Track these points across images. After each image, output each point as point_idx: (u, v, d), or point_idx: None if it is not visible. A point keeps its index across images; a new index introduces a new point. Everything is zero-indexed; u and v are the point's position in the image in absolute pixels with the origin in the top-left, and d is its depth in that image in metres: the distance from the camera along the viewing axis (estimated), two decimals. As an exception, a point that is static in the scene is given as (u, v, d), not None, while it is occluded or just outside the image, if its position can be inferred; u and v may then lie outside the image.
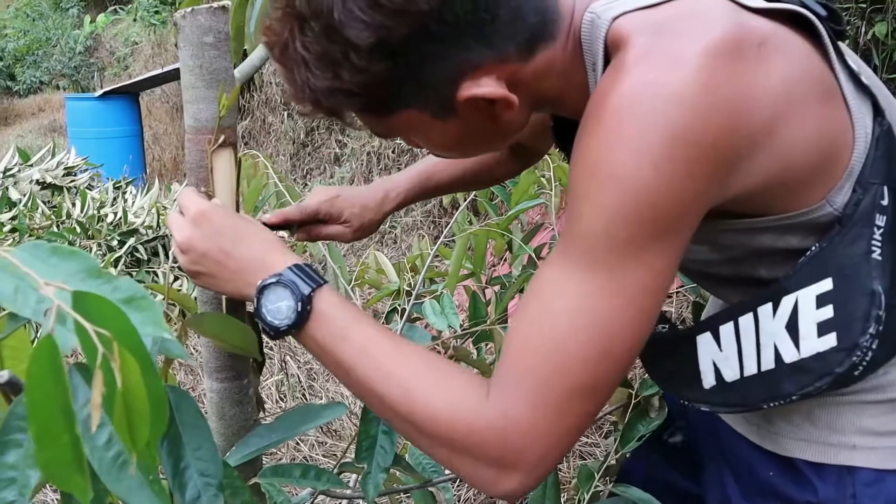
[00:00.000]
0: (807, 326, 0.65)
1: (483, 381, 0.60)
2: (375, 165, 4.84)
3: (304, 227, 0.94)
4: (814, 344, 0.65)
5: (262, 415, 0.88)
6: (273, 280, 0.65)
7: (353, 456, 1.00)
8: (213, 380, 0.80)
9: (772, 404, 0.69)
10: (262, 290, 0.66)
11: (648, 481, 0.99)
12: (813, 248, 0.64)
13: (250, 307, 0.69)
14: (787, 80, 0.58)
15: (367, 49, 0.57)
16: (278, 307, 0.65)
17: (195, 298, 0.78)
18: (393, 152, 4.74)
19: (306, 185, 5.41)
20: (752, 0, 0.61)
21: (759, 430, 0.78)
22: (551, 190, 1.58)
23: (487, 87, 0.61)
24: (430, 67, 0.60)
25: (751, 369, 0.69)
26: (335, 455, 2.16)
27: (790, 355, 0.66)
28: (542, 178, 1.63)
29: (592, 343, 0.56)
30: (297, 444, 2.20)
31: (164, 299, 0.76)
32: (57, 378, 0.38)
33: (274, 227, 0.88)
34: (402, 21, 0.56)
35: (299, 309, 0.64)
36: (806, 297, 0.65)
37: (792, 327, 0.66)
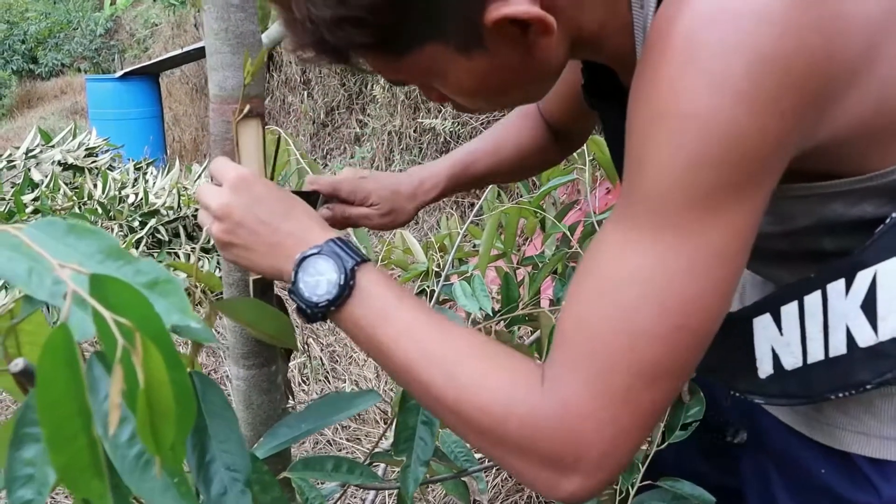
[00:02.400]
0: (887, 305, 0.58)
1: (537, 366, 0.53)
2: (396, 145, 4.78)
3: (329, 204, 0.87)
4: (894, 325, 0.58)
5: (289, 402, 0.84)
6: (314, 251, 0.60)
7: (384, 445, 0.96)
8: (240, 366, 0.76)
9: (840, 395, 0.62)
10: (300, 262, 0.60)
11: (678, 472, 0.93)
12: (894, 214, 0.57)
13: (280, 291, 0.64)
14: (882, 6, 0.51)
15: None
16: (318, 281, 0.59)
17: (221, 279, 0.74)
18: (415, 132, 4.68)
19: (326, 164, 5.38)
20: None
21: (809, 421, 0.71)
22: (584, 165, 1.51)
23: (519, 5, 0.52)
24: None
25: (816, 355, 0.62)
26: (359, 439, 2.13)
27: (866, 338, 0.59)
28: (574, 155, 1.57)
29: (664, 317, 0.48)
30: (321, 427, 2.18)
31: (190, 278, 0.72)
32: (72, 374, 0.34)
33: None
34: None
35: (341, 282, 0.58)
36: (886, 271, 0.57)
37: (868, 306, 0.58)
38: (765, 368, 0.66)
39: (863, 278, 0.58)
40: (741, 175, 0.47)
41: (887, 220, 0.57)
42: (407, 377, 0.57)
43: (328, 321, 0.62)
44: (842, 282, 0.59)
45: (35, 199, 2.98)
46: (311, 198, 0.83)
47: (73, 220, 0.41)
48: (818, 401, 0.65)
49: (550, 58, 0.58)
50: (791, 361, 0.64)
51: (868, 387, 0.60)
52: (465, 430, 0.54)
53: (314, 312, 0.60)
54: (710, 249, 0.48)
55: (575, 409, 0.49)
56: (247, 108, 0.66)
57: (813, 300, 0.61)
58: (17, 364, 0.45)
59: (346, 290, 0.58)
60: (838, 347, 0.61)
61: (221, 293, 0.76)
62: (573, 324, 0.51)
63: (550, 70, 0.61)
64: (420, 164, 4.69)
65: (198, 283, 0.70)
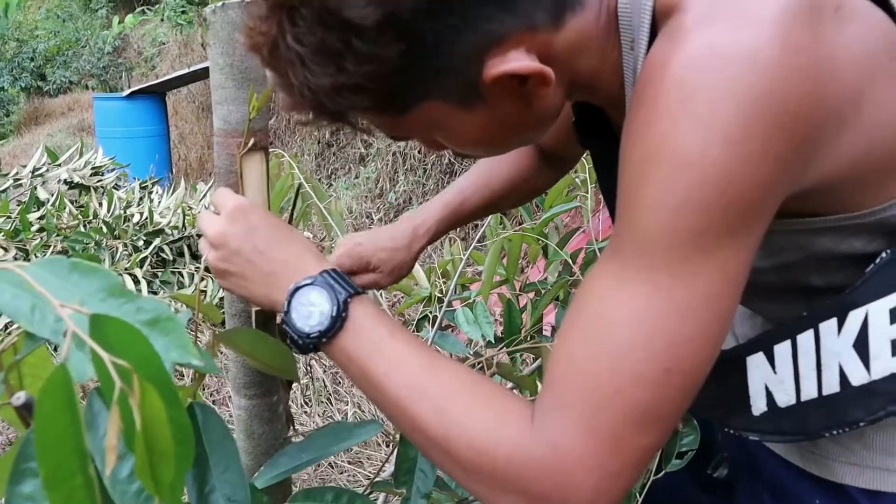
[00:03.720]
0: (879, 344, 0.58)
1: (527, 404, 0.53)
2: (401, 166, 4.80)
3: None
4: (887, 364, 0.58)
5: (290, 431, 0.83)
6: (308, 282, 0.60)
7: (385, 474, 0.96)
8: (242, 396, 0.76)
9: (835, 432, 0.62)
10: (294, 292, 0.60)
11: (673, 500, 0.93)
12: (884, 254, 0.57)
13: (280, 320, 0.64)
14: (868, 50, 0.51)
15: (372, 30, 0.49)
16: (310, 312, 0.59)
17: (223, 312, 0.74)
18: (419, 152, 4.70)
19: (331, 185, 5.40)
20: None
21: (803, 452, 0.71)
22: (587, 192, 1.52)
23: (517, 60, 0.52)
24: (449, 45, 0.52)
25: (810, 393, 0.62)
26: (360, 462, 2.12)
27: (859, 377, 0.59)
28: (577, 181, 1.58)
29: (653, 360, 0.47)
30: (323, 449, 2.17)
31: (192, 308, 0.72)
32: (70, 415, 0.34)
33: None
34: None
35: (333, 314, 0.58)
36: (878, 310, 0.58)
37: (861, 345, 0.59)
38: (759, 406, 0.66)
39: (855, 318, 0.59)
40: (731, 219, 0.47)
41: (878, 260, 0.57)
42: (396, 411, 0.56)
43: (319, 352, 0.62)
44: (834, 321, 0.59)
45: (41, 218, 3.00)
46: None
47: (76, 259, 0.41)
48: (813, 437, 0.65)
49: (548, 106, 0.59)
50: (785, 399, 0.64)
51: (861, 424, 0.61)
52: (453, 466, 0.54)
53: (306, 343, 0.60)
54: (700, 292, 0.48)
55: (563, 451, 0.49)
56: (251, 141, 0.66)
57: (805, 339, 0.61)
58: (20, 398, 0.46)
59: (338, 321, 0.58)
60: (831, 385, 0.61)
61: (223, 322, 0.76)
62: (563, 364, 0.51)
63: (549, 117, 0.61)
64: (423, 183, 4.72)
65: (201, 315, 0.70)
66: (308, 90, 0.53)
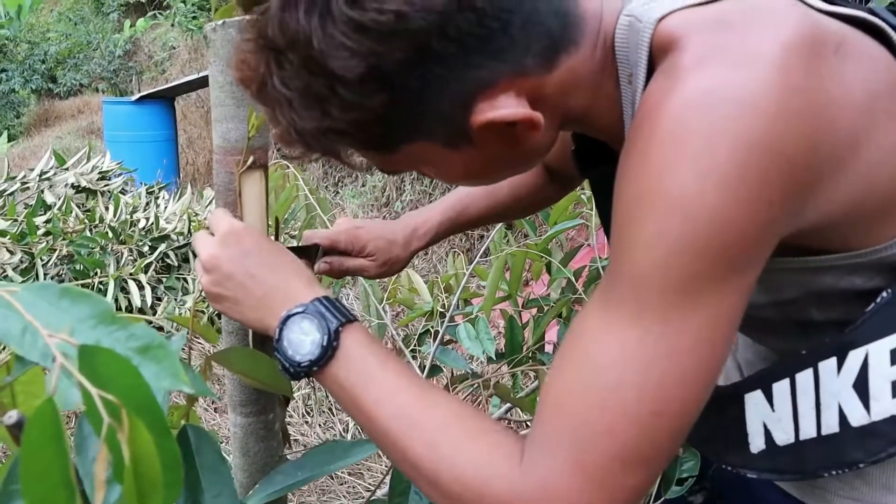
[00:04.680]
0: (879, 385, 0.57)
1: (517, 440, 0.53)
2: (407, 175, 4.81)
3: (327, 257, 0.88)
4: (887, 406, 0.57)
5: (287, 448, 0.83)
6: (299, 310, 0.60)
7: (383, 489, 0.95)
8: (238, 414, 0.75)
9: (834, 472, 0.61)
10: (285, 320, 0.60)
11: None
12: (884, 293, 0.56)
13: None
14: (869, 89, 0.50)
15: (356, 81, 0.49)
16: (301, 340, 0.59)
17: (218, 330, 0.74)
18: (425, 161, 4.70)
19: (338, 192, 5.40)
20: (818, 2, 0.53)
21: (801, 485, 0.70)
22: (592, 209, 1.51)
23: (506, 107, 0.52)
24: (435, 93, 0.51)
25: (808, 432, 0.61)
26: (361, 473, 2.11)
27: (858, 418, 0.58)
28: (582, 197, 1.57)
29: (642, 402, 0.47)
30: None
31: (187, 329, 0.72)
32: (57, 448, 0.34)
33: (298, 252, 0.82)
34: (396, 44, 0.48)
35: (324, 343, 0.58)
36: (878, 351, 0.57)
37: (861, 386, 0.58)
38: (757, 444, 0.65)
39: (854, 358, 0.58)
40: (724, 263, 0.47)
41: (878, 300, 0.57)
42: (386, 441, 0.56)
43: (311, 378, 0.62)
44: (833, 360, 0.59)
45: (47, 222, 3.01)
46: (310, 251, 0.84)
47: (66, 285, 0.41)
48: (810, 477, 0.63)
49: (538, 145, 0.58)
50: (783, 437, 0.63)
51: (861, 465, 0.60)
52: (440, 498, 0.53)
53: (296, 371, 0.60)
54: (691, 335, 0.47)
55: (552, 491, 0.48)
56: (251, 159, 0.66)
57: (804, 378, 0.60)
58: (11, 417, 0.45)
59: (329, 350, 0.58)
60: (830, 425, 0.60)
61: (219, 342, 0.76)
62: (553, 403, 0.51)
63: (539, 154, 0.61)
64: (430, 192, 4.72)
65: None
66: (295, 131, 0.53)
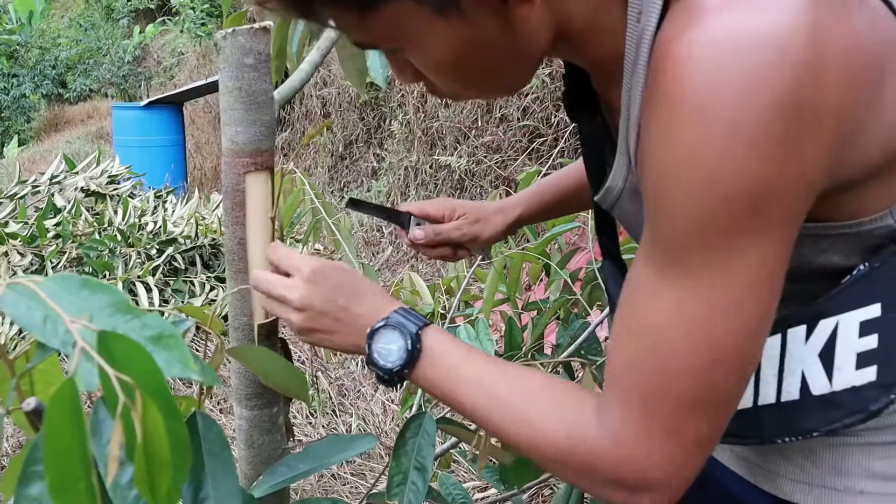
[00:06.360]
0: (845, 356, 0.58)
1: (592, 398, 0.58)
2: (412, 180, 4.83)
3: (420, 225, 0.95)
4: (850, 376, 0.58)
5: (290, 443, 0.86)
6: (381, 324, 0.66)
7: (381, 486, 0.98)
8: (243, 407, 0.78)
9: (787, 439, 0.62)
10: (371, 335, 0.66)
11: None
12: (861, 266, 0.57)
13: (284, 334, 0.67)
14: (885, 41, 0.49)
15: None
16: (389, 349, 0.65)
17: (226, 324, 0.77)
18: (431, 168, 4.73)
19: (343, 197, 5.43)
20: None
21: (752, 468, 0.71)
22: (589, 213, 1.54)
23: None
24: None
25: (768, 398, 0.62)
26: (363, 474, 2.14)
27: (820, 386, 0.59)
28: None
29: (696, 354, 0.50)
30: (326, 460, 2.18)
31: (200, 321, 0.75)
32: (76, 426, 0.37)
33: (390, 217, 0.92)
34: None
35: (409, 347, 0.64)
36: (848, 322, 0.58)
37: (827, 355, 0.59)
38: None
39: (824, 327, 0.59)
40: (763, 218, 0.47)
41: (854, 271, 0.57)
42: (481, 423, 0.62)
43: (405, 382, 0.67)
44: (803, 328, 0.60)
45: (57, 225, 3.05)
46: (403, 217, 0.94)
47: (86, 276, 0.44)
48: (768, 443, 0.65)
49: (529, 34, 0.55)
50: (742, 403, 0.62)
51: (815, 434, 0.61)
52: (542, 461, 0.59)
53: (391, 378, 0.65)
54: (738, 287, 0.49)
55: (625, 441, 0.53)
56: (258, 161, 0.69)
57: (772, 343, 0.61)
58: (30, 403, 0.48)
59: (414, 353, 0.64)
60: (791, 392, 0.61)
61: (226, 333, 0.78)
62: (618, 363, 0.55)
63: (529, 51, 0.58)
64: (434, 198, 4.73)
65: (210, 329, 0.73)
66: None
